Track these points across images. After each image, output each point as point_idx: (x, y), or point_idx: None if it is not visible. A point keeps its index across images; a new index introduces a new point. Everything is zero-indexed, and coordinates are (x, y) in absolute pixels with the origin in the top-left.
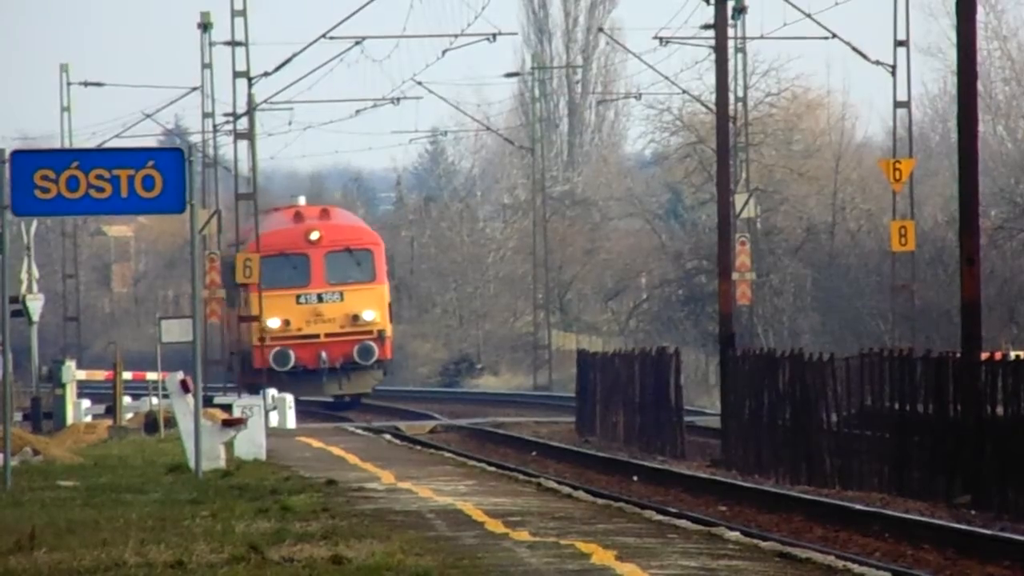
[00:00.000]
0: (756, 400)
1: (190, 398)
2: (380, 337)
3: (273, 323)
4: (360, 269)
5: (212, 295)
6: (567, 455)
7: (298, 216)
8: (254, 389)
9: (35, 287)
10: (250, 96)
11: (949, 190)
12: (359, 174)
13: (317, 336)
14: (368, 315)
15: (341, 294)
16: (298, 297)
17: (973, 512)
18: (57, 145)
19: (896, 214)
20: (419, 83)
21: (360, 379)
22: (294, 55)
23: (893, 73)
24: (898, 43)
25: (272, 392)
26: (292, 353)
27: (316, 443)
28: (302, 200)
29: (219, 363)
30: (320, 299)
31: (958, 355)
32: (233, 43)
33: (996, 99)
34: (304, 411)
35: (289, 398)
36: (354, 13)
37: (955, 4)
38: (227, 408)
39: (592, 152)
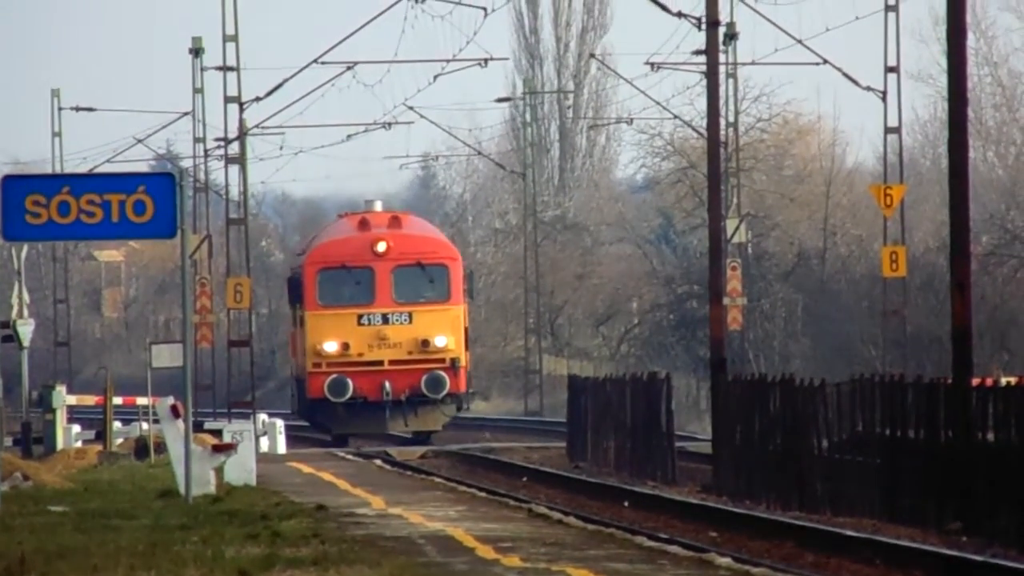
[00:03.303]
0: (747, 425)
1: (180, 423)
2: (453, 366)
3: (330, 346)
4: (433, 287)
5: (203, 320)
6: (558, 480)
7: (364, 224)
8: (315, 423)
9: (26, 312)
10: (241, 121)
11: (940, 216)
12: (350, 199)
13: (381, 363)
14: (440, 340)
15: (410, 315)
16: (360, 317)
17: (964, 538)
18: (48, 170)
19: (887, 239)
20: (410, 108)
21: (429, 415)
22: (285, 80)
23: (884, 99)
24: (889, 69)
25: (263, 417)
26: (351, 382)
27: (307, 468)
28: (378, 206)
29: (209, 388)
30: (385, 320)
31: (949, 381)
32: (224, 68)
33: (986, 125)
34: (294, 436)
35: (280, 423)
36: (346, 38)
37: (946, 31)
38: (217, 433)
39: (583, 177)
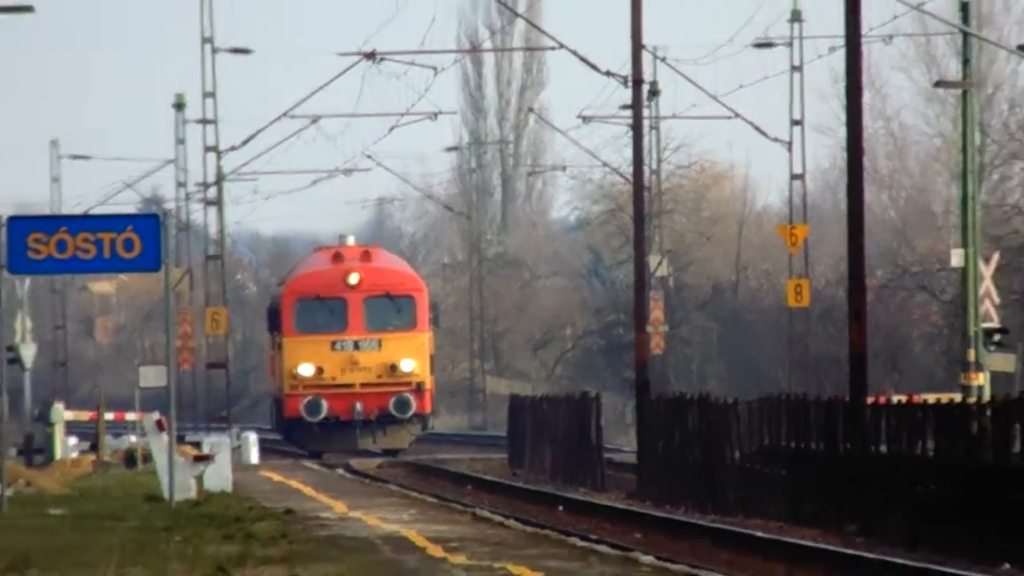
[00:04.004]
0: (668, 439)
1: (164, 436)
2: (419, 389)
3: (306, 370)
4: (400, 316)
5: (184, 344)
6: (499, 488)
7: (337, 257)
8: (292, 440)
9: (28, 337)
10: (219, 168)
11: (839, 252)
12: (316, 237)
13: (352, 385)
14: (407, 365)
15: (379, 342)
16: (334, 343)
17: (860, 539)
18: (48, 212)
19: (792, 273)
20: (368, 156)
21: (396, 434)
22: (258, 131)
23: (789, 149)
24: (794, 122)
25: (235, 430)
26: (324, 403)
27: (277, 477)
28: (350, 240)
29: (190, 405)
30: (356, 347)
31: (847, 399)
32: (204, 121)
33: (880, 172)
34: (266, 448)
35: (252, 436)
36: (312, 94)
37: (845, 88)
38: (197, 445)
39: (523, 218)
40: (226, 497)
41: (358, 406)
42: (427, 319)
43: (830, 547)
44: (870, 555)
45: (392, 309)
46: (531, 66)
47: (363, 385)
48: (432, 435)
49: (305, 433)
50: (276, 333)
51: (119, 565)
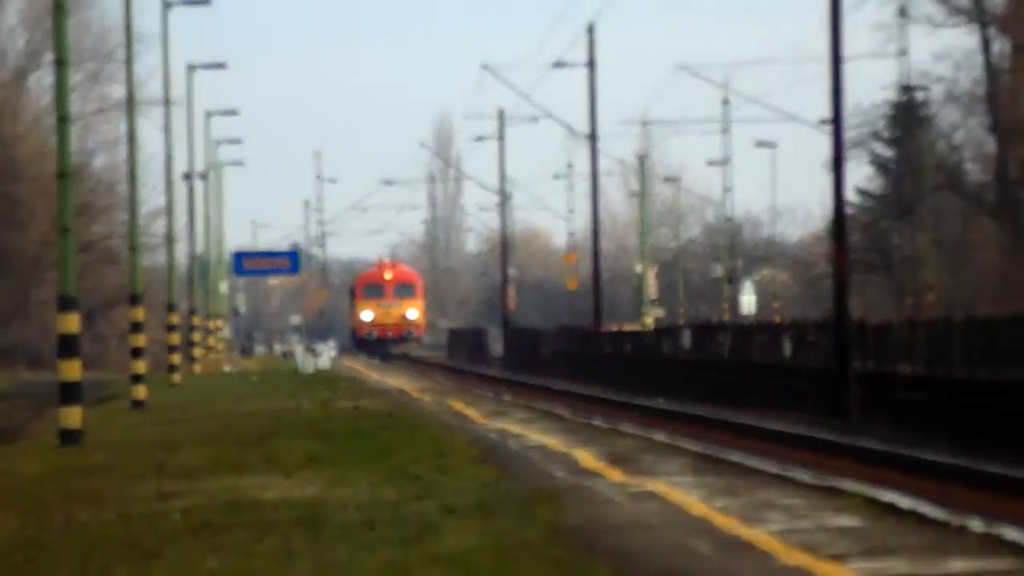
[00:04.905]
0: (517, 346)
1: (300, 344)
2: (416, 326)
3: (366, 316)
4: (408, 292)
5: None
6: (444, 367)
7: (380, 266)
8: (359, 348)
9: (243, 301)
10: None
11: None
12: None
13: (386, 324)
14: (411, 315)
15: (399, 304)
16: (378, 304)
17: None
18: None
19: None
20: None
21: (405, 346)
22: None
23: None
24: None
25: (331, 342)
26: (375, 332)
27: (349, 364)
28: (386, 258)
29: (312, 331)
30: (388, 307)
31: (591, 328)
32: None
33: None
34: (344, 351)
35: (332, 343)
36: None
37: (590, 190)
38: (313, 349)
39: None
40: (326, 372)
41: (390, 334)
42: (422, 294)
43: (573, 388)
44: (617, 397)
45: (404, 289)
46: None
47: (391, 324)
48: (422, 346)
49: (364, 344)
50: (352, 300)
51: (282, 398)
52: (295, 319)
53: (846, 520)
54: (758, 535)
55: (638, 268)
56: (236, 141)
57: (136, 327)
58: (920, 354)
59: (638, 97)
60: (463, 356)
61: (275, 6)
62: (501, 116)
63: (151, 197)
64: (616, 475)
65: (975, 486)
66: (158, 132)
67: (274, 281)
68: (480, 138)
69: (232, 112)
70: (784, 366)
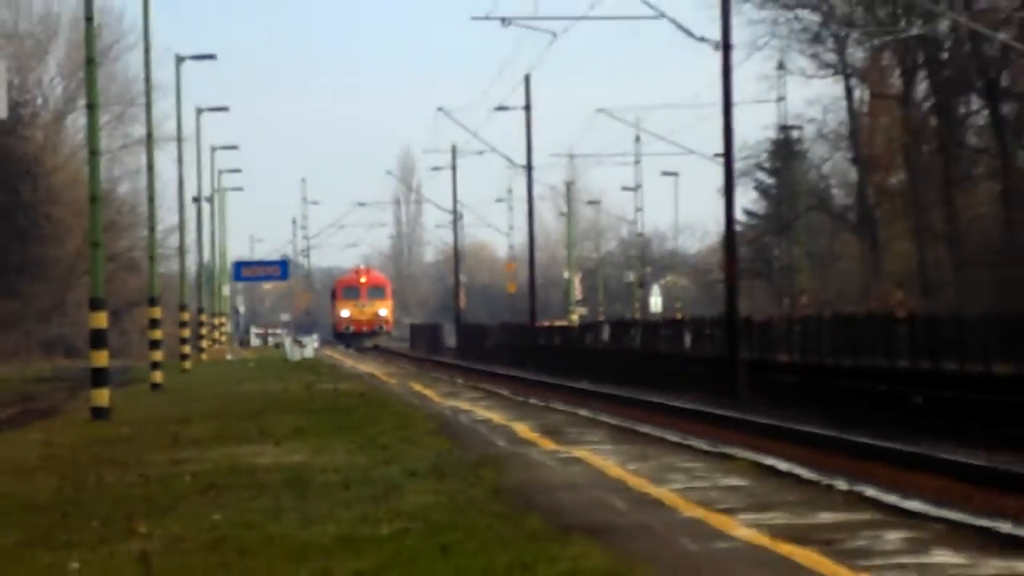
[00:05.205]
0: (469, 339)
1: (289, 336)
2: (386, 322)
3: (345, 313)
4: (379, 294)
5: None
6: (407, 356)
7: (357, 272)
8: (339, 340)
9: (241, 302)
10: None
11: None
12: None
13: (360, 320)
14: (382, 312)
15: (372, 303)
16: (355, 303)
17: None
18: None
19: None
20: None
21: (376, 338)
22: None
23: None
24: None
25: (314, 336)
26: (352, 327)
27: (330, 353)
28: (362, 265)
29: (298, 326)
30: (363, 306)
31: (528, 324)
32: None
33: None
34: (325, 343)
35: (315, 336)
36: None
37: (527, 212)
38: (300, 341)
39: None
40: (310, 360)
41: (364, 328)
42: (391, 296)
43: (513, 373)
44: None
45: (376, 291)
46: None
47: (365, 320)
48: (390, 339)
49: (342, 337)
50: (333, 300)
51: (272, 381)
52: (285, 316)
53: (736, 480)
54: (664, 493)
55: (566, 275)
56: (236, 171)
57: (154, 323)
58: (796, 345)
59: (566, 135)
60: (423, 347)
61: (270, 59)
62: (454, 150)
63: (166, 217)
64: (548, 444)
65: (841, 452)
66: (172, 163)
67: (267, 285)
68: (437, 168)
69: (233, 147)
70: (685, 355)
